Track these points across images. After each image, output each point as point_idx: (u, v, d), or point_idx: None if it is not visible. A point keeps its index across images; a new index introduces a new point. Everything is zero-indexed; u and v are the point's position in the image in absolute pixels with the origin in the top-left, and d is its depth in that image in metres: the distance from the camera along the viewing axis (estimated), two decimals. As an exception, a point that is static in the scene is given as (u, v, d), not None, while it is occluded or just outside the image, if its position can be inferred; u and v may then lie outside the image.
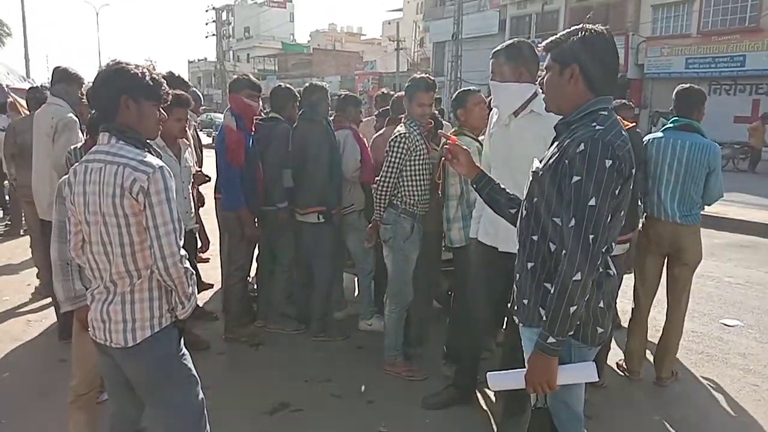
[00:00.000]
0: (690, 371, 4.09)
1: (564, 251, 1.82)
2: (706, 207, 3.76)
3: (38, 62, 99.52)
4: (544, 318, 1.86)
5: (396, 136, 3.71)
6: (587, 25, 1.93)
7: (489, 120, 3.20)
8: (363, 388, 3.74)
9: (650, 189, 3.73)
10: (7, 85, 6.85)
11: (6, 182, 9.07)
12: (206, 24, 54.72)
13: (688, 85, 3.80)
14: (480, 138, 3.69)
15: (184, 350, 2.23)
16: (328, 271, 4.45)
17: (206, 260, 5.71)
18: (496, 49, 2.95)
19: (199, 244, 4.83)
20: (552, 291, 1.83)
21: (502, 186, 2.39)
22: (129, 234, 1.98)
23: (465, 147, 2.41)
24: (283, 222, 4.40)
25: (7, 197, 8.84)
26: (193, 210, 4.01)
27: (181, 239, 2.03)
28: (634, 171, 1.86)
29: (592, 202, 1.76)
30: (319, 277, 4.43)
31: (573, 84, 1.93)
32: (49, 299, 4.87)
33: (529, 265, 2.01)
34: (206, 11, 61.30)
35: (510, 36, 29.55)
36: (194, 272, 2.13)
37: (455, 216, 3.70)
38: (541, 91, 2.89)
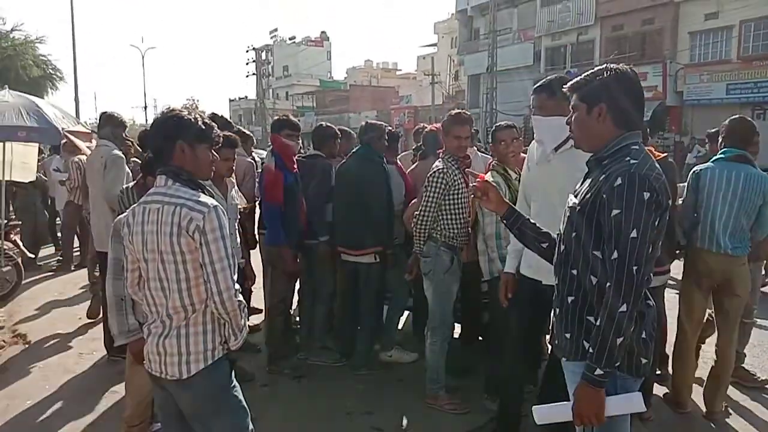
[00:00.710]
0: (742, 405, 3.97)
1: (608, 284, 1.85)
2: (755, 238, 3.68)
3: (87, 102, 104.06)
4: (590, 351, 1.88)
5: (434, 172, 3.79)
6: (611, 65, 2.02)
7: (528, 154, 3.24)
8: (405, 421, 3.75)
9: (701, 220, 3.66)
10: (62, 128, 7.20)
11: (58, 219, 9.51)
12: (246, 64, 56.37)
13: (740, 116, 3.78)
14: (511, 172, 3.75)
15: (235, 382, 2.32)
16: (374, 307, 4.52)
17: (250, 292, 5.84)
18: (538, 84, 3.02)
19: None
20: (598, 323, 1.86)
21: (533, 221, 2.45)
22: (185, 270, 2.10)
23: (493, 183, 2.48)
24: (324, 256, 4.50)
25: (59, 234, 9.23)
26: (239, 245, 4.14)
27: (235, 274, 2.14)
28: (670, 202, 1.90)
29: (633, 234, 1.80)
30: (366, 312, 4.50)
31: (601, 122, 2.00)
32: (99, 333, 5.07)
33: (570, 299, 2.05)
34: (246, 51, 63.23)
35: (545, 67, 29.70)
36: (246, 304, 2.22)
37: (489, 248, 3.73)
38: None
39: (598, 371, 1.86)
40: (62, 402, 4.15)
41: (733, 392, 4.08)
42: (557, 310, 2.14)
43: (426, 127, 5.14)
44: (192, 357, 2.15)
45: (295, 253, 4.40)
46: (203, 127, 2.21)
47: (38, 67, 27.64)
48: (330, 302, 4.74)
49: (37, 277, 8.01)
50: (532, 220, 3.09)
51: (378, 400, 4.08)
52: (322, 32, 72.52)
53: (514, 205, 3.58)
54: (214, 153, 2.29)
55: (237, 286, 2.13)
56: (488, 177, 3.75)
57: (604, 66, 2.03)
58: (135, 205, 2.23)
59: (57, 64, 28.83)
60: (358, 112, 41.05)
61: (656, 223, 1.86)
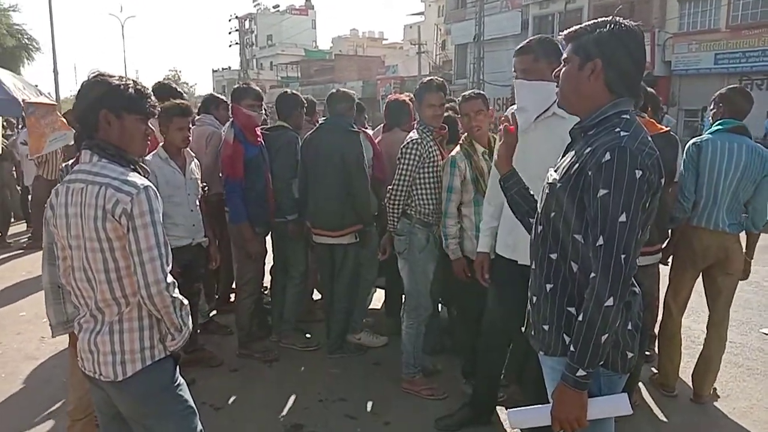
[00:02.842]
0: (730, 386, 3.82)
1: (593, 274, 1.62)
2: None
3: (67, 74, 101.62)
4: (572, 348, 1.67)
5: (408, 143, 3.53)
6: (617, 18, 1.73)
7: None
8: (377, 408, 3.56)
9: (703, 195, 3.39)
10: (23, 99, 6.86)
11: (30, 195, 9.17)
12: (229, 33, 55.44)
13: (737, 86, 3.55)
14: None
15: (180, 380, 2.08)
16: (350, 288, 4.26)
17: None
18: (521, 45, 2.74)
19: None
20: (581, 319, 1.65)
21: (531, 192, 2.22)
22: (114, 259, 1.84)
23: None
24: (293, 235, 4.25)
25: (30, 210, 8.90)
26: (201, 222, 3.87)
27: (168, 265, 1.88)
28: (663, 181, 1.67)
29: (623, 218, 1.58)
30: (340, 294, 4.24)
31: (593, 81, 1.74)
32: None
33: (548, 286, 1.82)
34: (229, 20, 61.95)
35: (533, 35, 29.12)
36: (182, 300, 1.96)
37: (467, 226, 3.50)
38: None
39: (581, 372, 1.65)
40: (17, 390, 3.92)
41: (722, 370, 3.92)
42: (534, 298, 1.91)
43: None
44: (128, 356, 1.91)
45: (263, 232, 4.12)
46: (134, 95, 1.91)
47: (12, 37, 26.84)
48: (302, 282, 4.50)
49: (6, 255, 7.71)
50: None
51: (352, 385, 3.88)
52: (307, 0, 71.13)
53: (486, 182, 3.37)
54: (150, 125, 2.00)
55: (170, 278, 1.87)
56: (452, 153, 3.50)
57: (609, 18, 1.75)
58: (59, 184, 1.96)
59: (32, 34, 27.97)
60: (344, 83, 40.25)
61: (647, 205, 1.63)
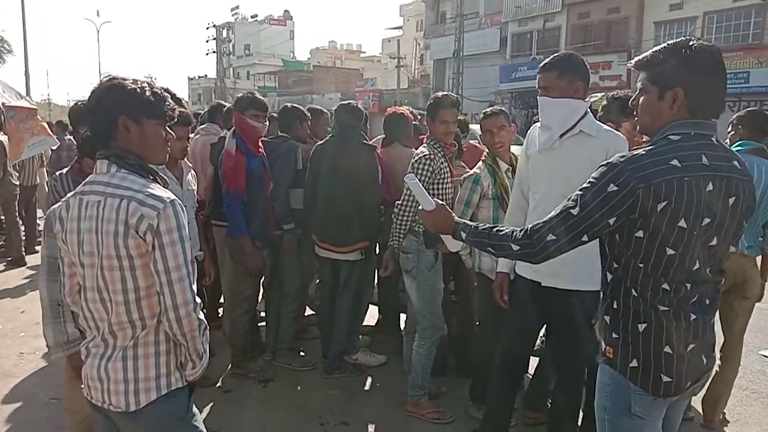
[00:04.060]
0: (738, 411, 3.77)
1: (540, 222, 1.76)
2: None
3: (39, 78, 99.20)
4: (491, 241, 1.86)
5: (420, 158, 3.43)
6: (692, 41, 1.67)
7: (528, 141, 2.90)
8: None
9: None
10: (2, 103, 6.58)
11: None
12: (207, 41, 54.45)
13: (755, 108, 3.55)
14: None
15: (195, 411, 1.92)
16: (353, 308, 4.11)
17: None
18: (546, 61, 2.67)
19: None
20: (509, 232, 1.81)
21: (532, 214, 2.44)
22: (134, 278, 1.68)
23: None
24: (288, 246, 4.08)
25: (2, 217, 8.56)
26: (197, 236, 3.70)
27: (194, 282, 1.73)
28: (662, 206, 1.59)
29: (575, 211, 1.67)
30: (341, 312, 4.08)
31: (676, 110, 1.69)
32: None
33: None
34: (207, 28, 61.32)
35: (512, 53, 29.56)
36: (207, 324, 1.81)
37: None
38: (590, 110, 2.65)
39: (464, 236, 1.92)
40: (-4, 412, 3.68)
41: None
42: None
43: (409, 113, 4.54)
44: (141, 385, 1.74)
45: (260, 246, 3.96)
46: (152, 99, 1.76)
47: (-18, 38, 26.21)
48: (298, 299, 4.34)
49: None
50: (531, 213, 2.81)
51: (354, 408, 3.72)
52: (285, 11, 71.15)
53: (507, 199, 3.30)
54: (169, 130, 1.86)
55: (198, 299, 1.73)
56: (475, 169, 3.43)
57: (680, 41, 1.69)
58: (70, 194, 1.79)
59: (4, 35, 27.41)
60: (322, 94, 40.25)
61: (612, 222, 1.64)
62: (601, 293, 1.85)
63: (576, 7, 26.66)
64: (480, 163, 3.43)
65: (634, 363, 1.72)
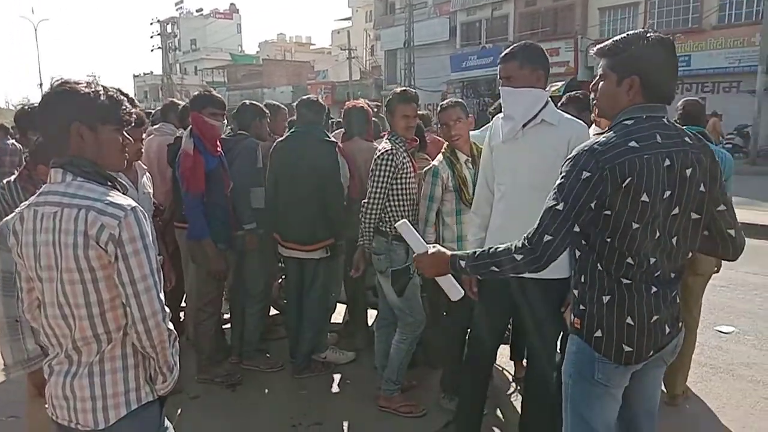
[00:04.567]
0: (699, 386, 3.89)
1: (532, 233, 1.80)
2: None
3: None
4: (477, 262, 1.89)
5: (382, 153, 3.39)
6: (649, 32, 1.80)
7: (491, 132, 2.90)
8: (356, 430, 3.40)
9: None
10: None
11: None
12: (151, 37, 52.99)
13: (695, 98, 3.90)
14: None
15: (168, 425, 1.86)
16: (321, 306, 4.05)
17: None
18: (507, 51, 2.67)
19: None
20: (501, 249, 1.84)
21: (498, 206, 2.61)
22: (97, 291, 1.60)
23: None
24: (252, 246, 4.00)
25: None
26: (155, 241, 3.58)
27: (161, 291, 1.66)
28: (626, 183, 1.71)
29: (559, 207, 1.74)
30: (310, 312, 4.01)
31: (632, 96, 1.82)
32: None
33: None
34: (151, 24, 59.72)
35: (461, 42, 29.77)
36: (177, 334, 1.75)
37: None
38: (550, 99, 2.67)
39: (463, 264, 1.92)
40: (-53, 435, 3.49)
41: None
42: None
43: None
44: (110, 401, 1.66)
45: (223, 248, 3.86)
46: (107, 104, 1.67)
47: None
48: (262, 300, 4.27)
49: None
50: (497, 203, 2.82)
51: (326, 407, 3.69)
52: (231, 4, 69.69)
53: (469, 191, 3.30)
54: (126, 135, 1.76)
55: (167, 309, 1.66)
56: (434, 162, 3.41)
57: (639, 32, 1.82)
58: (23, 206, 1.69)
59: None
60: (273, 87, 39.72)
61: (593, 205, 1.74)
62: (572, 271, 1.95)
63: (523, -5, 27.03)
64: (439, 156, 3.42)
65: (599, 333, 1.85)
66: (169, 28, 56.58)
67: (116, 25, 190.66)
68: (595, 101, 1.96)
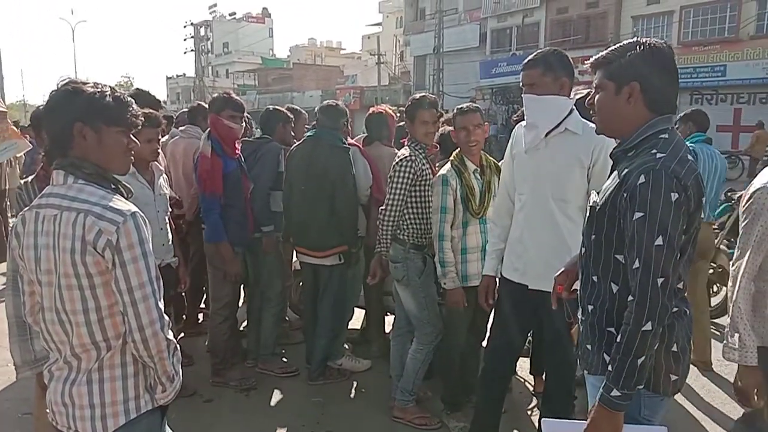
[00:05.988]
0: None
1: (630, 297, 1.61)
2: None
3: (14, 79, 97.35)
4: (609, 368, 1.65)
5: (401, 160, 3.33)
6: (643, 39, 1.73)
7: (513, 141, 2.82)
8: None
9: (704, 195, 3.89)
10: (-30, 108, 6.34)
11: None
12: (185, 40, 53.52)
13: (698, 108, 4.69)
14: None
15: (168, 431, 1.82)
16: (335, 313, 3.99)
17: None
18: (530, 58, 2.59)
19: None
20: (618, 340, 1.63)
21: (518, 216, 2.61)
22: (94, 297, 1.57)
23: None
24: (267, 248, 3.98)
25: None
26: (170, 242, 3.57)
27: (161, 300, 1.62)
28: (703, 200, 1.64)
29: (659, 241, 1.56)
30: (324, 318, 3.96)
31: (633, 104, 1.72)
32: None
33: (590, 307, 1.83)
34: (184, 27, 60.74)
35: (491, 48, 29.60)
36: (176, 344, 1.70)
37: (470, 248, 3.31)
38: (575, 107, 2.58)
39: (615, 392, 1.62)
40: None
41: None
42: (581, 318, 1.89)
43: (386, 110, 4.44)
44: (109, 410, 1.63)
45: (242, 251, 3.83)
46: (112, 105, 1.63)
47: (-48, 39, 25.62)
48: (279, 304, 4.24)
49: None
50: (517, 214, 2.74)
51: (339, 415, 3.63)
52: (264, 8, 70.64)
53: (476, 201, 3.21)
54: (133, 138, 1.73)
55: (166, 318, 1.62)
56: (442, 171, 3.31)
57: (634, 40, 1.74)
58: (26, 209, 1.67)
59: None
60: (302, 92, 40.04)
61: (685, 226, 1.61)
62: (600, 310, 1.78)
63: (555, 3, 26.79)
64: (447, 165, 3.33)
65: None
66: (202, 31, 57.45)
67: (151, 27, 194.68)
68: (594, 116, 1.83)
